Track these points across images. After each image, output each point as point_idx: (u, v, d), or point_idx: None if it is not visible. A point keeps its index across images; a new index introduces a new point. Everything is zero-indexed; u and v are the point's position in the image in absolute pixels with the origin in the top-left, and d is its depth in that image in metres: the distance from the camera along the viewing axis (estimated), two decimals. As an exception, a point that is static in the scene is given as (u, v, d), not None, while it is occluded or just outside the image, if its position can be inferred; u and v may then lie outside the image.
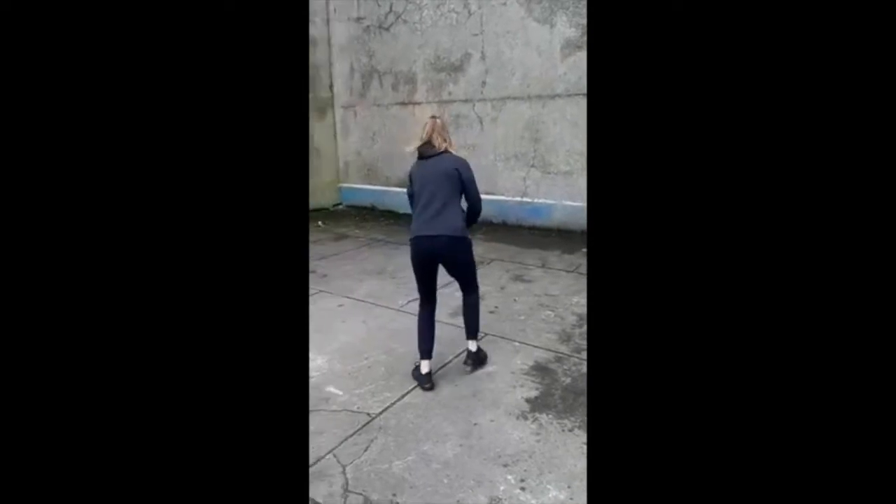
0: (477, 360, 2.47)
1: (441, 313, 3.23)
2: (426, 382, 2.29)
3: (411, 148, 2.36)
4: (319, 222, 6.17)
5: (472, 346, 2.46)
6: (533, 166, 5.51)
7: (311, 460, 1.82)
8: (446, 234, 2.19)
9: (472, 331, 2.45)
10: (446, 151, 2.28)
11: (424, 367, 2.31)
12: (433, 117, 2.37)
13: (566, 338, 2.81)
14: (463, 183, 2.27)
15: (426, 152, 2.28)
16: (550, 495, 1.63)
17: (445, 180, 2.22)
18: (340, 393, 2.30)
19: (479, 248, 4.77)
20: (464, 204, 2.36)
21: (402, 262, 4.36)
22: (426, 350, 2.32)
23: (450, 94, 5.98)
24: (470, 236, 2.34)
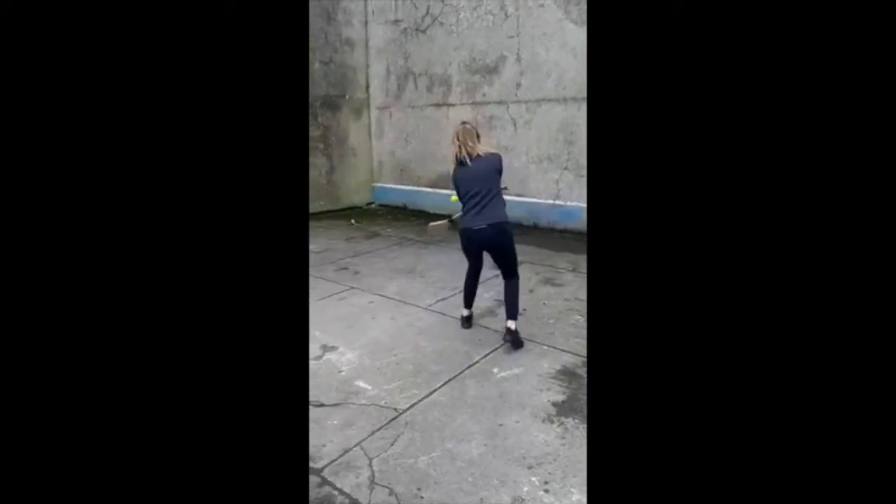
0: (516, 339, 2.70)
1: (474, 315, 3.27)
2: (465, 324, 2.98)
3: (452, 160, 2.71)
4: (353, 220, 6.30)
5: (512, 325, 2.71)
6: (566, 169, 5.46)
7: (339, 452, 1.88)
8: (490, 224, 2.58)
9: (512, 313, 2.74)
10: (478, 156, 2.63)
11: (465, 312, 2.99)
12: (463, 123, 2.72)
13: (595, 343, 2.78)
14: (500, 172, 2.69)
15: (464, 159, 2.63)
16: (574, 498, 1.63)
17: (486, 179, 2.61)
18: (369, 387, 2.35)
19: (509, 251, 4.78)
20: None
21: (431, 261, 4.42)
22: (466, 301, 2.97)
23: (484, 95, 5.99)
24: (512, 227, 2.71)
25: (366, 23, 7.03)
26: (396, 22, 6.69)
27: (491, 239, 2.63)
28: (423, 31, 6.43)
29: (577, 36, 5.11)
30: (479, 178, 2.59)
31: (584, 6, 5.04)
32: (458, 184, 2.66)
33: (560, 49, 5.26)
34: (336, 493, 1.66)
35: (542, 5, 5.33)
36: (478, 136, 2.67)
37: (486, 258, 2.79)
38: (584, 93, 5.17)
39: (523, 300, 3.47)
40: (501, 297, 3.53)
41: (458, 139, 2.61)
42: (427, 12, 6.34)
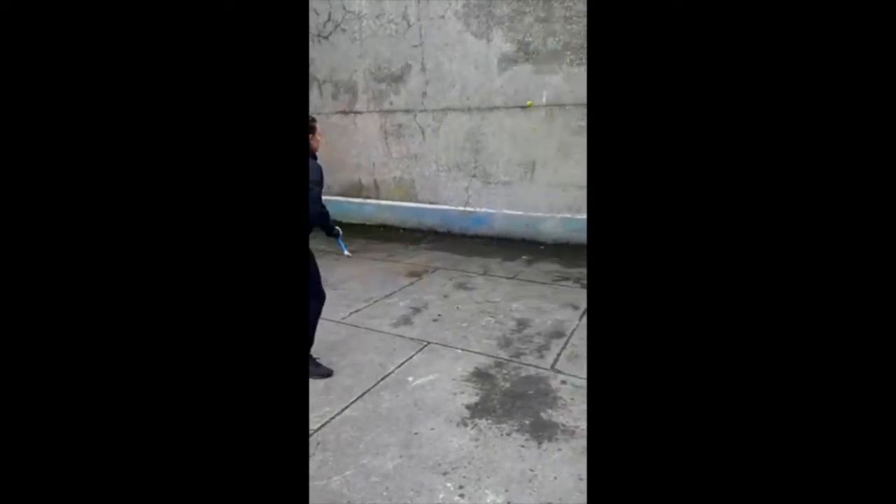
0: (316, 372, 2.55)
1: (383, 323, 3.23)
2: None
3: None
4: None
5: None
6: (474, 176, 5.62)
7: (244, 483, 1.75)
8: None
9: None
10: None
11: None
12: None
13: (505, 343, 2.88)
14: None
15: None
16: (488, 500, 1.66)
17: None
18: (277, 410, 2.23)
19: (424, 257, 4.82)
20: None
21: (343, 273, 4.30)
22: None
23: (391, 104, 5.99)
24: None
25: (264, 26, 6.73)
26: (297, 27, 6.48)
27: None
28: (326, 38, 6.29)
29: (478, 48, 5.30)
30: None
31: (483, 19, 5.25)
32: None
33: (462, 60, 5.43)
34: (240, 528, 1.55)
35: (442, 17, 5.46)
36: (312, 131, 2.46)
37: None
38: (486, 103, 5.38)
39: (438, 306, 3.51)
40: (417, 303, 3.55)
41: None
42: (329, 18, 6.22)
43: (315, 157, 2.44)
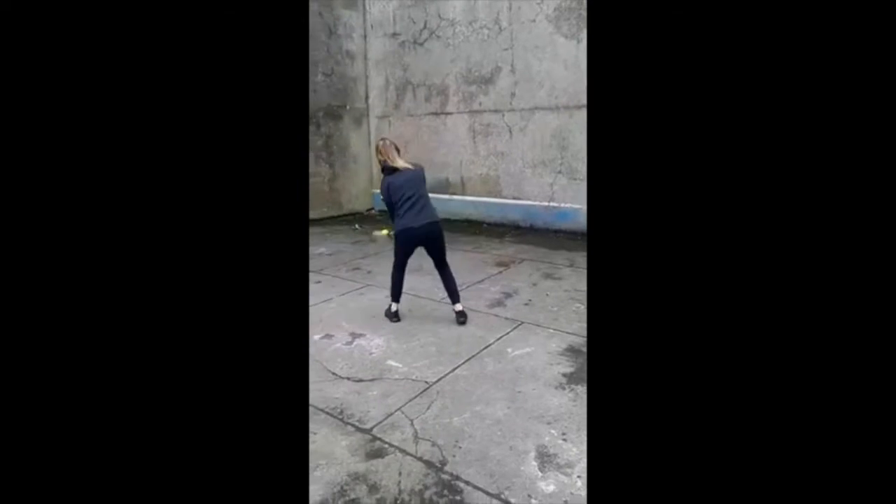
0: (464, 315, 3.22)
1: (479, 304, 3.56)
2: (394, 318, 3.26)
3: (380, 168, 3.18)
4: (357, 225, 6.57)
5: (459, 307, 3.23)
6: (560, 172, 5.81)
7: (382, 416, 2.16)
8: (429, 221, 3.06)
9: (456, 297, 3.23)
10: (402, 168, 3.07)
11: (394, 307, 3.29)
12: (383, 139, 3.20)
13: (596, 326, 3.10)
14: (425, 181, 3.17)
15: (391, 169, 3.09)
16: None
17: (418, 185, 3.08)
18: (400, 365, 2.64)
19: (510, 249, 5.11)
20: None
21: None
22: (397, 295, 3.29)
23: (480, 104, 6.34)
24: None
25: (364, 36, 7.35)
26: (395, 35, 7.02)
27: (430, 234, 3.09)
28: (421, 44, 6.77)
29: (568, 48, 5.49)
30: (411, 184, 3.03)
31: (573, 21, 5.43)
32: (391, 190, 3.06)
33: (552, 61, 5.64)
34: (387, 446, 1.95)
35: (534, 20, 5.71)
36: (398, 150, 3.13)
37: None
38: (574, 101, 5.55)
39: (528, 292, 3.79)
40: (507, 289, 3.86)
41: (382, 152, 3.07)
42: (425, 26, 6.68)
43: (387, 171, 3.11)
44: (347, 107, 7.30)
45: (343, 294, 3.84)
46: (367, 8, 7.26)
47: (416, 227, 3.03)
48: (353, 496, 1.68)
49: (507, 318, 3.26)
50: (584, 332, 3.00)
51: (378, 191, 7.82)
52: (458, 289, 3.29)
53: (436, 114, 6.81)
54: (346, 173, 7.39)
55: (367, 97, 7.51)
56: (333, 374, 2.57)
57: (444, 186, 6.83)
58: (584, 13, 5.31)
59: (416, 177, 3.08)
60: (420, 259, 4.94)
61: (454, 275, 3.29)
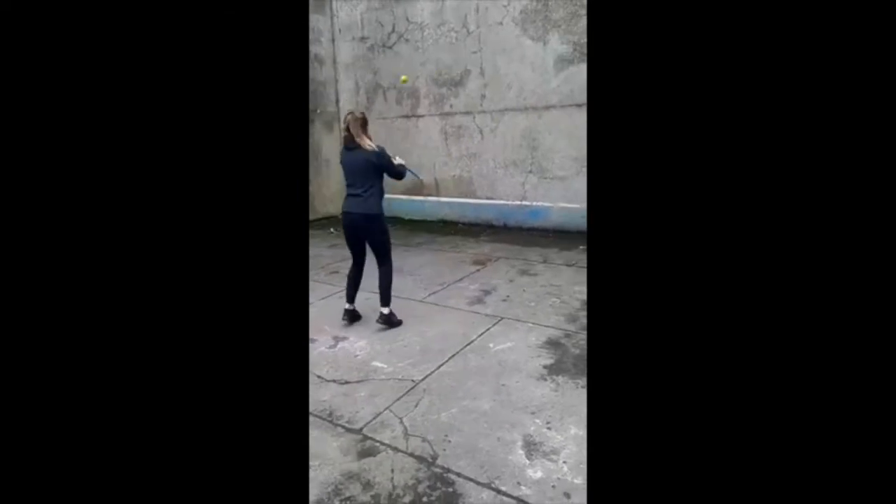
0: (389, 321, 3.16)
1: (460, 302, 3.63)
2: (346, 318, 3.24)
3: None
4: (332, 229, 6.55)
5: (386, 310, 3.16)
6: (531, 172, 5.95)
7: (371, 416, 2.20)
8: (362, 213, 2.98)
9: (385, 299, 3.16)
10: (359, 147, 2.95)
11: (347, 306, 3.26)
12: (350, 112, 3.02)
13: (573, 318, 3.21)
14: (381, 168, 3.01)
15: (349, 143, 2.99)
16: (572, 432, 2.02)
17: (363, 173, 2.96)
18: (385, 366, 2.68)
19: (486, 248, 5.21)
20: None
21: (415, 262, 4.76)
22: (351, 295, 3.26)
23: (451, 106, 6.42)
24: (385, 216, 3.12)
25: (333, 40, 7.33)
26: (363, 39, 7.03)
27: (363, 227, 3.04)
28: (390, 48, 6.80)
29: (535, 51, 5.63)
30: (355, 171, 2.96)
31: (539, 24, 5.57)
32: (343, 167, 3.03)
33: (519, 63, 5.77)
34: (378, 444, 1.99)
35: (500, 23, 5.83)
36: (363, 125, 2.95)
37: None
38: (542, 102, 5.70)
39: (506, 289, 3.89)
40: (486, 287, 3.94)
41: (349, 125, 2.95)
42: (393, 30, 6.72)
43: (345, 144, 3.05)
44: (318, 111, 7.27)
45: (323, 298, 3.84)
46: (335, 12, 7.24)
47: (351, 214, 3.02)
48: (347, 494, 1.72)
49: (487, 315, 3.34)
50: (562, 325, 3.10)
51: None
52: (439, 288, 3.35)
53: (407, 116, 6.85)
54: (318, 178, 7.35)
55: (337, 101, 7.49)
56: (319, 377, 2.59)
57: (419, 188, 6.88)
58: (550, 15, 5.47)
59: (364, 165, 2.94)
60: (400, 262, 4.99)
61: (435, 274, 3.33)
